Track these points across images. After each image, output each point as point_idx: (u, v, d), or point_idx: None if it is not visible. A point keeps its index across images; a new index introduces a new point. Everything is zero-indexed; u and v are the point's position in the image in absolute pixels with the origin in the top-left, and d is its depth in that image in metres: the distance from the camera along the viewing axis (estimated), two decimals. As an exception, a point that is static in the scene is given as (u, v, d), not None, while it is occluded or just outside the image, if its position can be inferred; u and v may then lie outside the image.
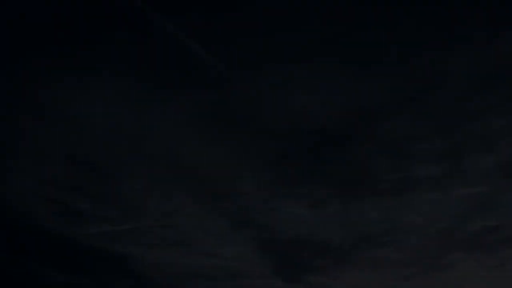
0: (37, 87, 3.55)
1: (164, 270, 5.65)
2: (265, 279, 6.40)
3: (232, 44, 3.28)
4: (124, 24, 3.32)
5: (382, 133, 3.88)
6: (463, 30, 3.13)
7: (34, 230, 4.67)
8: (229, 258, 5.87)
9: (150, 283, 5.85)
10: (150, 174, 4.26)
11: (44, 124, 3.84)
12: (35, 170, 4.15)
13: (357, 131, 3.87)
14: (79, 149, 4.09)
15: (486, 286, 5.42)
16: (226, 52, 3.32)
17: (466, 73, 3.51)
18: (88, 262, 5.03)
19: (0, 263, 5.13)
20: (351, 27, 3.24)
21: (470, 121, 3.84)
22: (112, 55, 3.45)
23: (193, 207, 4.66)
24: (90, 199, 4.22)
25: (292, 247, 5.42)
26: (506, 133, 3.93)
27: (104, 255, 5.20)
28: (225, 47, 3.30)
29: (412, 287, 6.05)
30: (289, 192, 4.59)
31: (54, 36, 3.33)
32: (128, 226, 4.67)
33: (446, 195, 4.55)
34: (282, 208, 4.58)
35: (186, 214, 4.57)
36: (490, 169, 4.22)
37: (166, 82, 3.49)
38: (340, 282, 6.08)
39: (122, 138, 3.93)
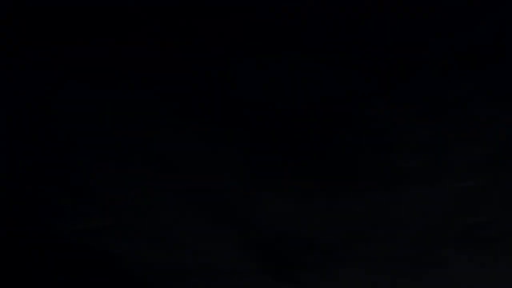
0: None
1: (147, 267, 5.53)
2: (253, 277, 6.25)
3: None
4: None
5: (362, 123, 3.74)
6: (441, 13, 2.98)
7: (4, 226, 4.53)
8: (214, 255, 5.74)
9: (133, 281, 5.73)
10: (123, 166, 4.14)
11: None
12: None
13: (337, 120, 3.74)
14: (44, 136, 3.97)
15: (480, 283, 5.28)
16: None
17: (448, 59, 3.36)
18: (64, 259, 4.91)
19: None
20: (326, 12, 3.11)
21: (454, 110, 3.69)
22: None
23: (172, 201, 4.54)
24: (59, 191, 4.10)
25: (277, 243, 5.29)
26: (493, 122, 3.78)
27: (82, 252, 5.07)
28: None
29: (404, 285, 5.92)
30: (270, 185, 4.46)
31: None
32: (105, 222, 4.56)
33: (434, 188, 4.40)
34: (265, 203, 4.46)
35: (167, 209, 4.44)
36: (478, 161, 4.08)
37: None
38: (329, 279, 5.93)
39: (87, 124, 3.81)
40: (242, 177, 4.53)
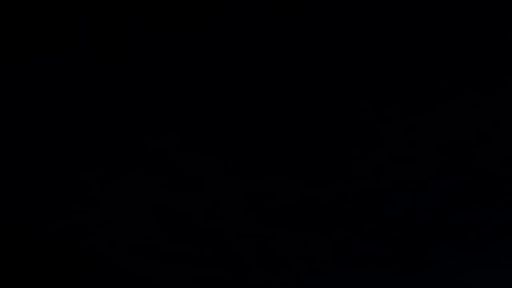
0: None
1: (138, 266, 5.52)
2: (245, 275, 6.26)
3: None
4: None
5: (348, 115, 3.81)
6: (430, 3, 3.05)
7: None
8: (208, 253, 5.75)
9: (122, 279, 5.72)
10: (108, 160, 4.16)
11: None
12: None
13: (322, 114, 3.79)
14: (21, 130, 4.01)
15: (476, 282, 5.32)
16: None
17: (434, 52, 3.43)
18: (52, 258, 4.89)
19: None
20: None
21: (443, 101, 3.76)
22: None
23: (160, 197, 4.56)
24: (43, 188, 4.10)
25: (268, 240, 5.30)
26: (482, 116, 3.84)
27: (70, 249, 5.05)
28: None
29: (399, 284, 5.92)
30: (256, 181, 4.50)
31: None
32: (92, 219, 4.55)
33: (426, 184, 4.46)
34: (251, 199, 4.48)
35: (154, 205, 4.45)
36: (469, 155, 4.12)
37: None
38: (322, 278, 5.96)
39: (65, 115, 3.84)
40: (231, 171, 4.58)
